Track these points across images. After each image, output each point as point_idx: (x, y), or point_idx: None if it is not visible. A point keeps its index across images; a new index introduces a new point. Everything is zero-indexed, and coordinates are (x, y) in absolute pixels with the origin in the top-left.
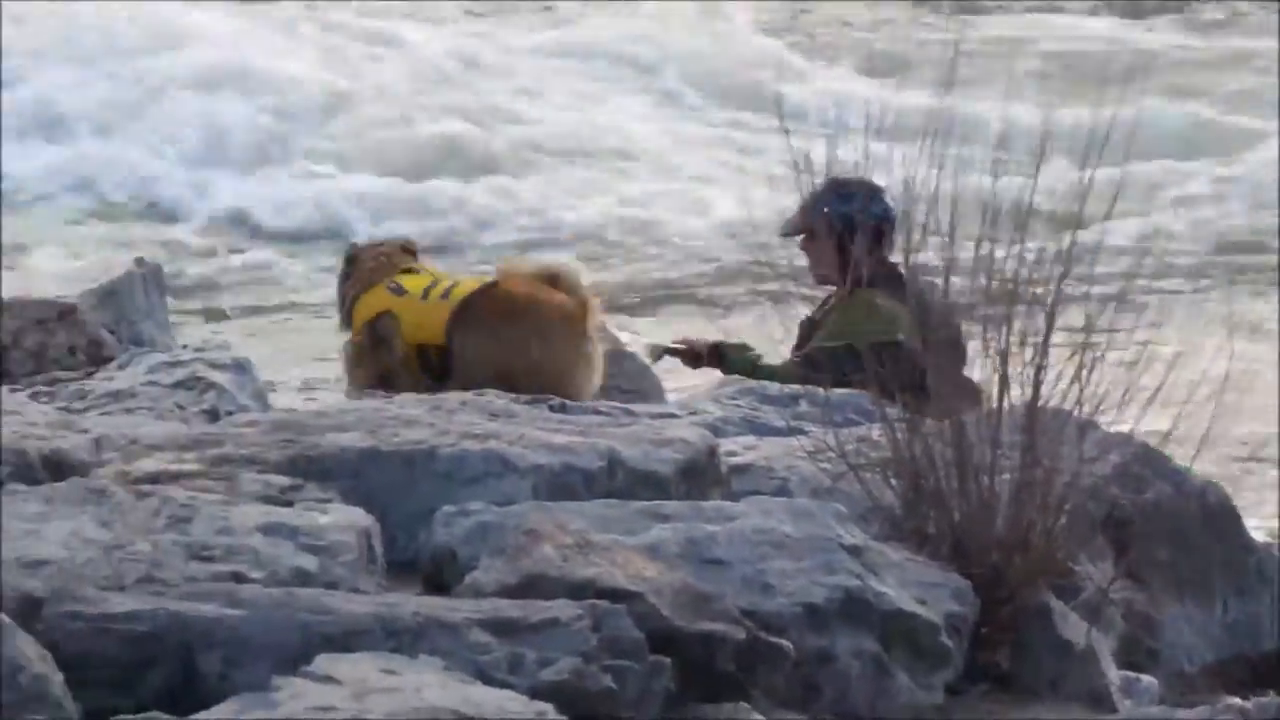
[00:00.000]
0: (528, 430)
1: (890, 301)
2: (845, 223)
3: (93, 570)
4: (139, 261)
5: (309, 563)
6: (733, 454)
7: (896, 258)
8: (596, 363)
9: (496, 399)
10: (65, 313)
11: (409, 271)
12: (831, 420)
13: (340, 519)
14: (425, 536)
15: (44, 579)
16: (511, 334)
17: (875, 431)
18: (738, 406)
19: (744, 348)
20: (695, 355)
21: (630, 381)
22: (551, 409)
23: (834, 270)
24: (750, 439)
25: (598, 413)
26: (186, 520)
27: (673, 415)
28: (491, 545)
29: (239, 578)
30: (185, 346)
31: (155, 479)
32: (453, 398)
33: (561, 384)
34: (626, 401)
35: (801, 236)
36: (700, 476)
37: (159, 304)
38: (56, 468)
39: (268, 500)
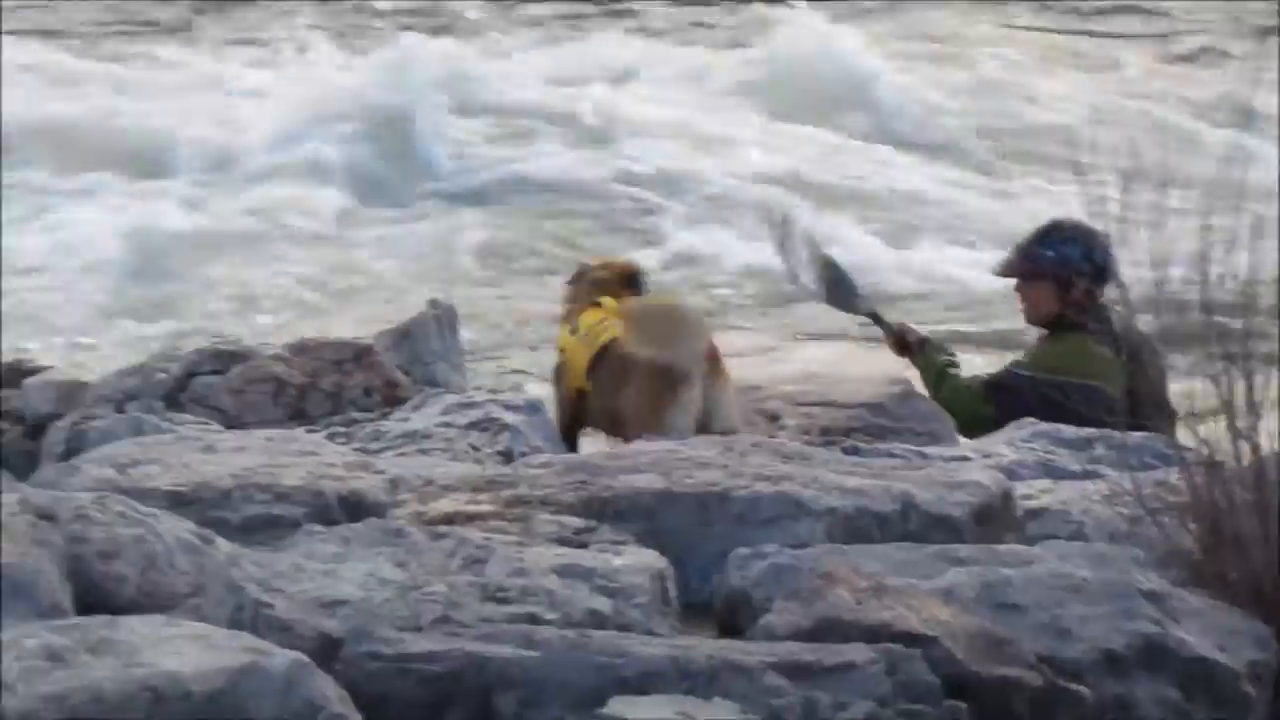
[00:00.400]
0: (821, 473)
1: (1102, 349)
2: (1059, 267)
3: (390, 610)
4: (433, 303)
5: (603, 605)
6: (1028, 497)
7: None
8: (692, 405)
9: (789, 441)
10: (361, 354)
11: (597, 305)
12: (1128, 464)
13: (634, 561)
14: (719, 579)
15: (341, 619)
16: (619, 392)
17: (1173, 475)
18: (1032, 449)
19: (947, 353)
20: (902, 342)
21: (923, 424)
22: (845, 451)
23: (1045, 314)
24: (1045, 482)
25: (891, 455)
26: (482, 561)
27: (966, 458)
28: (785, 588)
29: (534, 619)
30: (479, 388)
31: (450, 520)
32: (745, 439)
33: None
34: (919, 444)
35: (1016, 280)
36: (995, 520)
37: (453, 345)
38: (353, 508)
39: (562, 542)
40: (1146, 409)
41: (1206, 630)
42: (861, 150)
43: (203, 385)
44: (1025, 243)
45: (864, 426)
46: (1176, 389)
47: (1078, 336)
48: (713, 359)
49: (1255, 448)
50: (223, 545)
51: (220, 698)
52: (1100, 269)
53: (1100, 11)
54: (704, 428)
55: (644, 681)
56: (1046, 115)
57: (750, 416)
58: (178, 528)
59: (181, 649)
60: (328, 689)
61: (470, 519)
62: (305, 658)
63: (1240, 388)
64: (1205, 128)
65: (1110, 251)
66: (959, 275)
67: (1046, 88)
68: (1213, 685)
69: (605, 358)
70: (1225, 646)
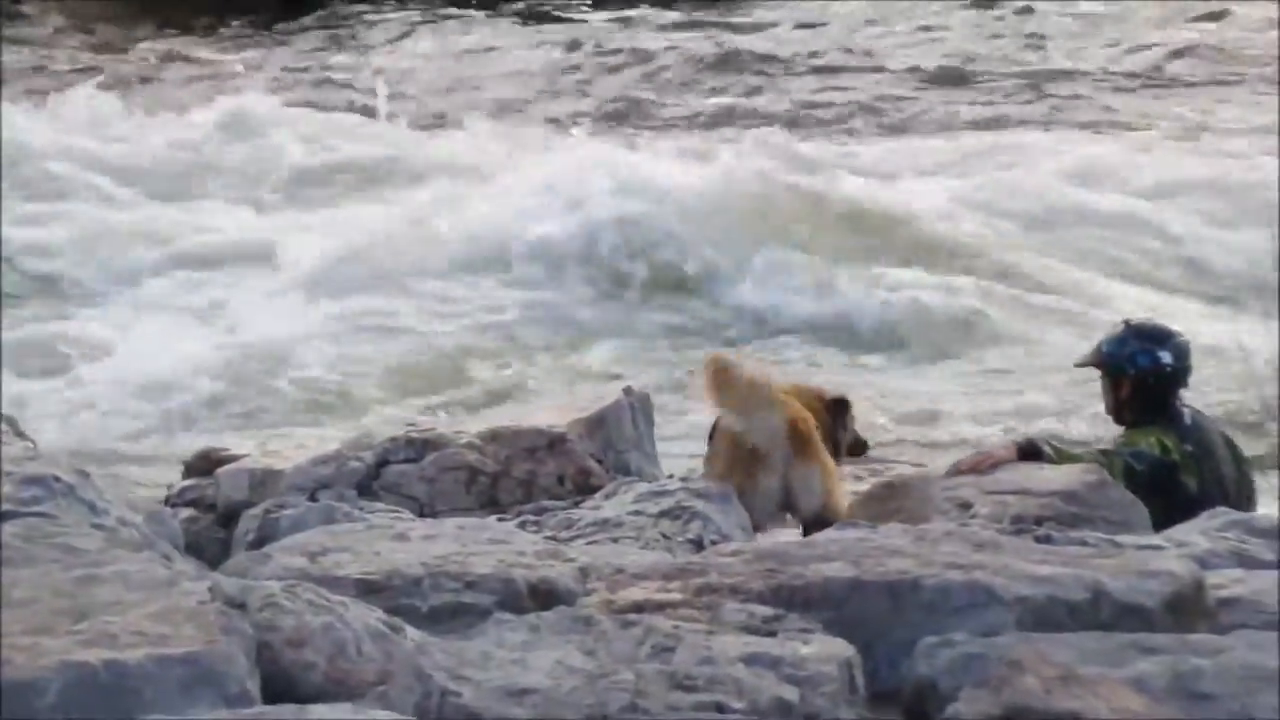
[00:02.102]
0: (1012, 561)
1: (1172, 439)
2: (1111, 364)
3: (577, 699)
4: (628, 390)
5: (790, 693)
6: (1220, 586)
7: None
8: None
9: (981, 529)
10: (555, 442)
11: None
12: None
13: (822, 649)
14: (907, 667)
15: (529, 707)
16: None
17: None
18: (1225, 539)
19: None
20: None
21: (1116, 512)
22: (1037, 539)
23: (1107, 407)
24: (1238, 572)
25: (1084, 544)
26: (670, 649)
27: (1158, 546)
28: (974, 676)
29: (721, 708)
30: (671, 476)
31: (640, 608)
32: (937, 528)
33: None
34: (1112, 532)
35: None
36: (1187, 609)
37: (646, 433)
38: (543, 596)
39: (750, 630)
40: (1216, 500)
41: None
42: None
43: (395, 473)
44: (1104, 337)
45: (1056, 514)
46: None
47: (1145, 428)
48: (798, 436)
49: None
50: (411, 633)
51: None
52: (1164, 371)
53: None
54: (789, 507)
55: None
56: None
57: (940, 505)
58: (367, 615)
59: None
60: None
61: (659, 607)
62: None
63: None
64: None
65: (1183, 353)
66: None
67: None
68: None
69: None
70: None
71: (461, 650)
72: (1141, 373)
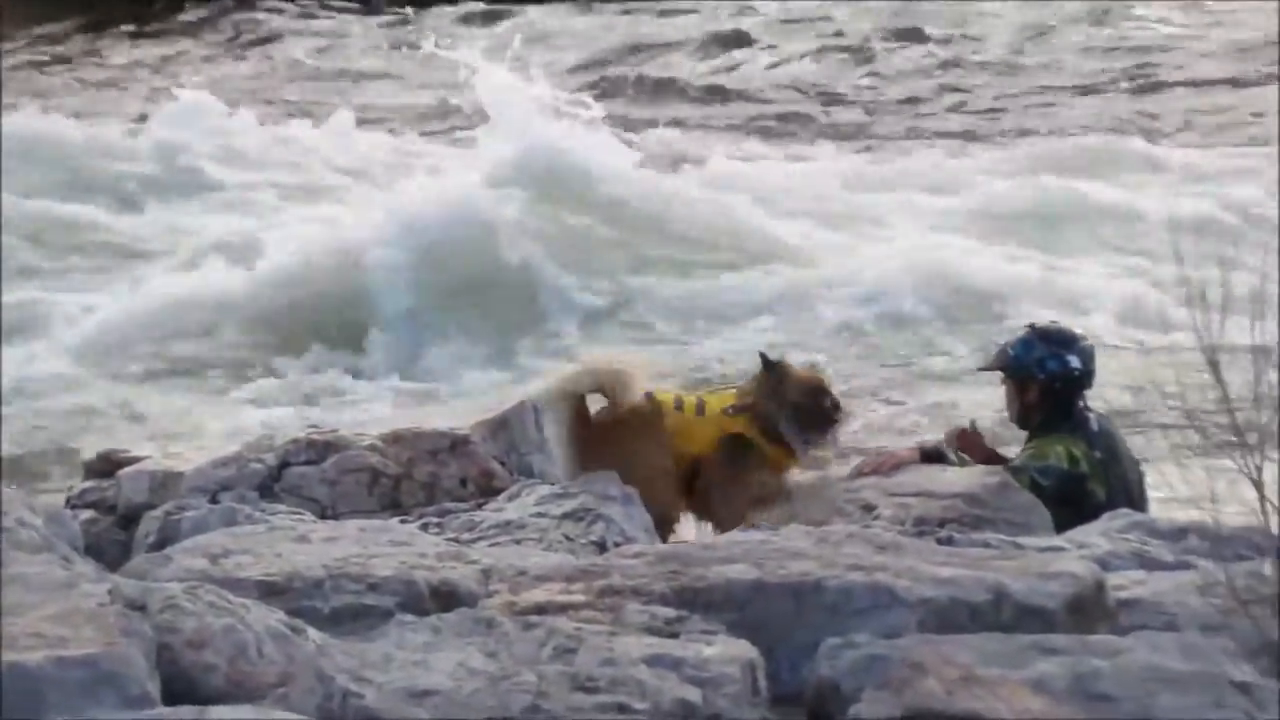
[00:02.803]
0: (914, 562)
1: (1079, 447)
2: (1023, 370)
3: (479, 700)
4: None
5: (693, 694)
6: (1120, 588)
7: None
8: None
9: (883, 531)
10: (458, 444)
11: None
12: (1221, 555)
13: (725, 651)
14: (810, 668)
15: (431, 709)
16: None
17: (1266, 566)
18: (1126, 540)
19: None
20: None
21: (1018, 514)
22: (939, 541)
23: (1011, 413)
24: (1139, 573)
25: (986, 545)
26: (572, 651)
27: (1060, 548)
28: (876, 678)
29: (623, 709)
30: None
31: (542, 610)
32: (840, 530)
33: None
34: (1014, 534)
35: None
36: (1088, 611)
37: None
38: (445, 598)
39: (652, 631)
40: (1117, 496)
41: None
42: None
43: (297, 475)
44: (1007, 341)
45: (959, 516)
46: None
47: (1053, 437)
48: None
49: None
50: (313, 635)
51: None
52: (1072, 375)
53: None
54: None
55: None
56: None
57: (843, 507)
58: (268, 617)
59: None
60: None
61: (562, 609)
62: None
63: None
64: None
65: (1089, 357)
66: None
67: None
68: None
69: None
70: None
71: (363, 652)
72: (1050, 377)
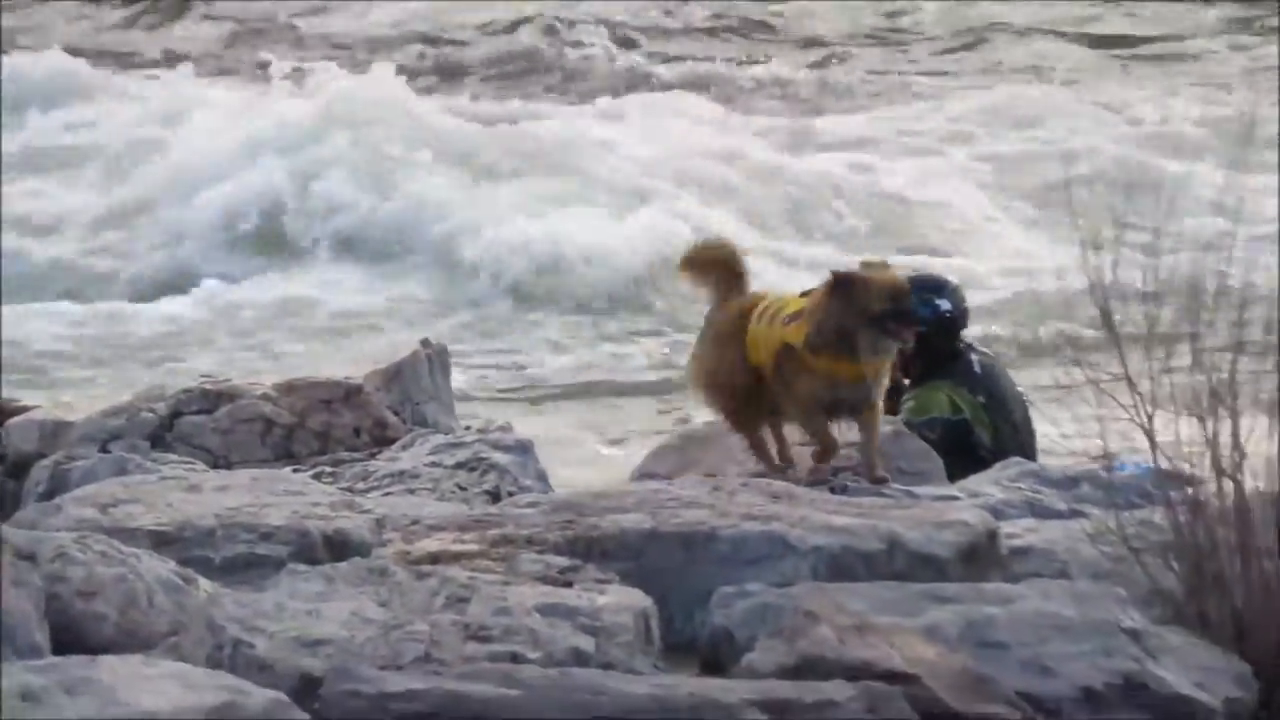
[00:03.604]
0: (808, 512)
1: (960, 394)
2: None
3: (371, 649)
4: (425, 342)
5: (586, 643)
6: (1013, 537)
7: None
8: None
9: (777, 480)
10: (351, 393)
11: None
12: (1113, 503)
13: (618, 600)
14: (703, 617)
15: (323, 658)
16: None
17: (1157, 515)
18: (1019, 489)
19: None
20: None
21: (912, 463)
22: (833, 490)
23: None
24: (1031, 522)
25: (880, 494)
26: (465, 600)
27: (953, 498)
28: (769, 626)
29: (516, 658)
30: (468, 428)
31: (435, 559)
32: (734, 479)
33: None
34: (909, 483)
35: None
36: (980, 559)
37: (443, 385)
38: (338, 548)
39: (547, 581)
40: (1011, 449)
41: (1186, 668)
42: None
43: (189, 425)
44: None
45: (853, 465)
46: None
47: (934, 385)
48: None
49: (1239, 487)
50: (204, 585)
51: None
52: (945, 319)
53: None
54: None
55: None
56: None
57: (737, 456)
58: (159, 567)
59: (159, 688)
60: None
61: (455, 558)
62: (284, 697)
63: (1226, 427)
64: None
65: (960, 299)
66: None
67: None
68: None
69: None
70: (1204, 684)
71: (255, 601)
72: (923, 324)
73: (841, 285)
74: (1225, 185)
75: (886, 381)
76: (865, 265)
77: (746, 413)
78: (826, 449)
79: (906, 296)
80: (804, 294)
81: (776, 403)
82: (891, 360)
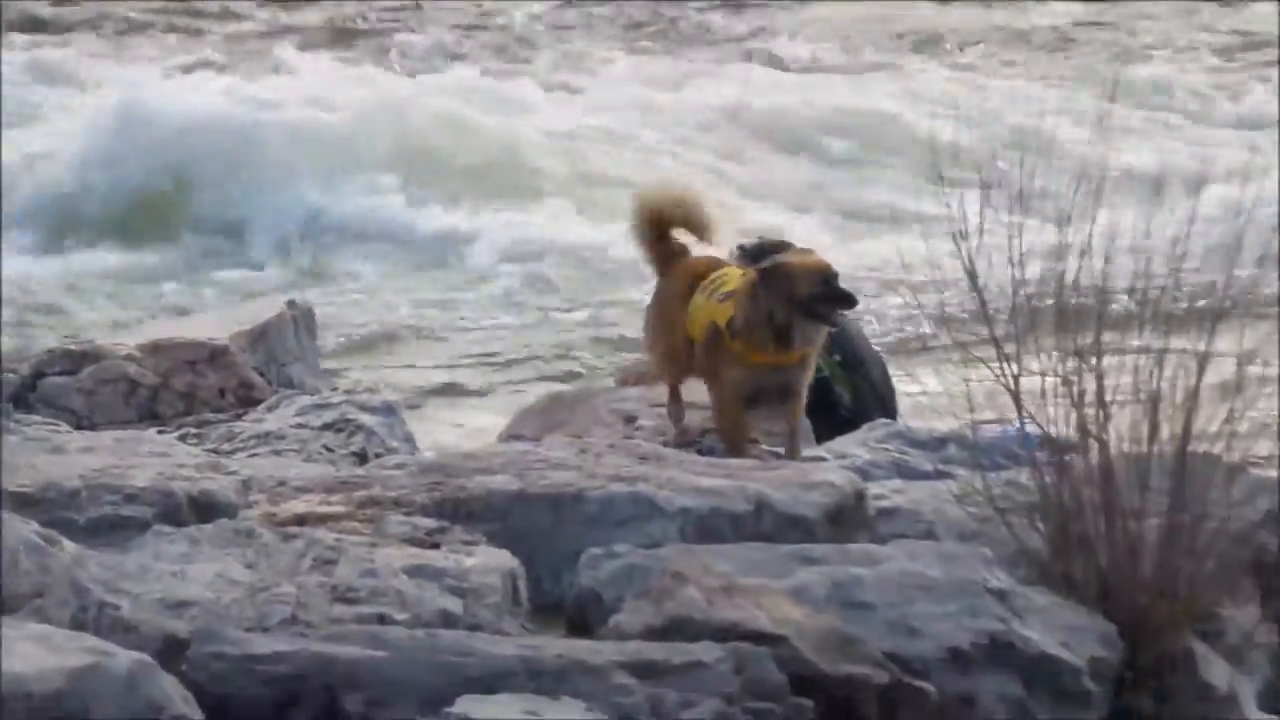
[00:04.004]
0: (676, 473)
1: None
2: None
3: (237, 611)
4: (290, 304)
5: (454, 605)
6: (880, 498)
7: None
8: None
9: (646, 442)
10: (216, 354)
11: None
12: (979, 464)
13: (486, 561)
14: (570, 579)
15: (188, 620)
16: None
17: (1023, 475)
18: (886, 450)
19: None
20: None
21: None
22: (700, 452)
23: None
24: (898, 483)
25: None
26: (332, 562)
27: (820, 459)
28: (636, 588)
29: (383, 619)
30: (335, 389)
31: (302, 521)
32: (601, 441)
33: None
34: (775, 445)
35: None
36: (847, 520)
37: (310, 346)
38: (204, 509)
39: (414, 542)
40: (872, 407)
41: (1051, 628)
42: None
43: (52, 385)
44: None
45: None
46: (1029, 387)
47: None
48: None
49: (1104, 448)
50: (68, 546)
51: (61, 699)
52: None
53: None
54: None
55: (492, 681)
56: None
57: (605, 418)
58: (22, 529)
59: (22, 651)
60: (171, 690)
61: (322, 520)
62: (148, 658)
63: (1091, 388)
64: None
65: None
66: None
67: None
68: (1056, 681)
69: None
70: (1069, 643)
71: (120, 563)
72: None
73: (767, 277)
74: (1091, 143)
75: (813, 369)
76: (792, 251)
77: (679, 372)
78: (733, 448)
79: (835, 278)
80: (744, 273)
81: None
82: (822, 345)
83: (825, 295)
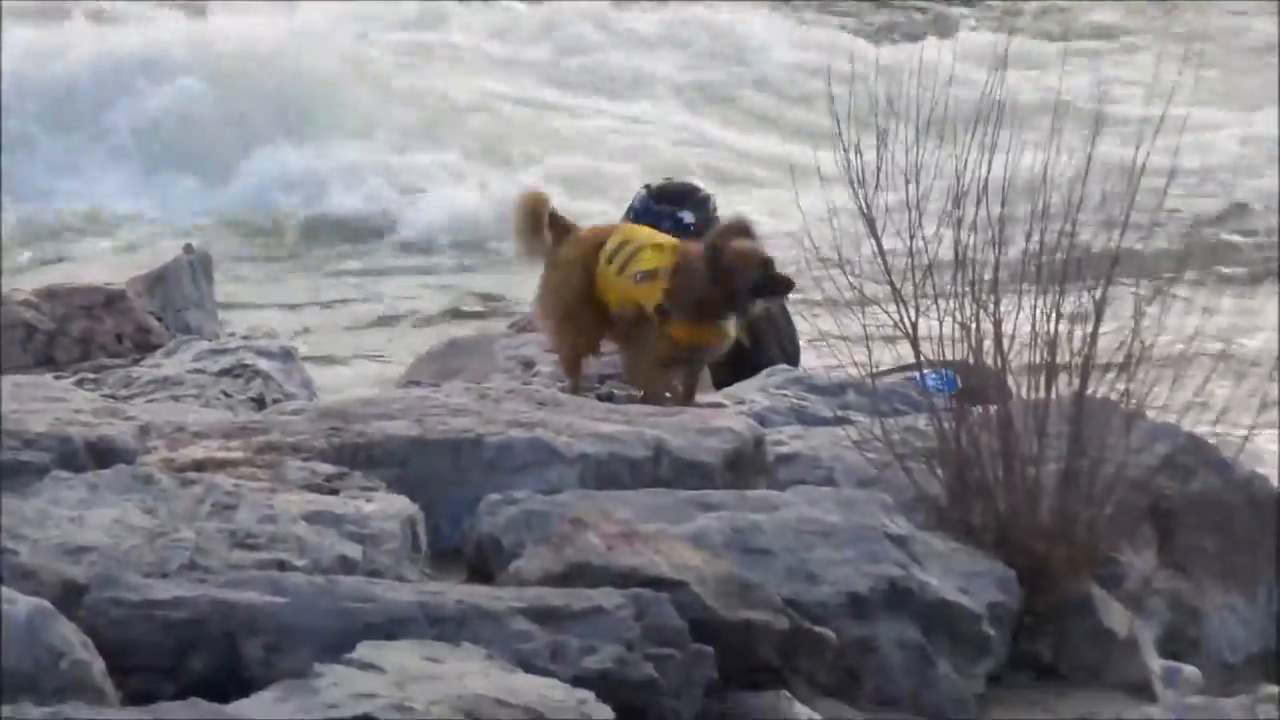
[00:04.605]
0: (575, 419)
1: None
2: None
3: (136, 557)
4: (188, 248)
5: (353, 551)
6: (779, 443)
7: None
8: None
9: (544, 388)
10: (113, 299)
11: None
12: (878, 410)
13: (385, 507)
14: (470, 525)
15: (87, 565)
16: None
17: (922, 421)
18: (785, 396)
19: None
20: None
21: None
22: (599, 398)
23: None
24: (797, 428)
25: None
26: (231, 508)
27: (719, 405)
28: (536, 534)
29: (283, 565)
30: (232, 334)
31: (200, 466)
32: (500, 386)
33: None
34: None
35: None
36: (746, 466)
37: (207, 291)
38: (102, 455)
39: (313, 488)
40: (773, 354)
41: (950, 573)
42: None
43: None
44: (632, 204)
45: (618, 372)
46: (927, 333)
47: None
48: None
49: (1002, 394)
50: None
51: None
52: (689, 230)
53: None
54: None
55: (392, 627)
56: None
57: (503, 363)
58: None
59: None
60: (70, 635)
61: (221, 466)
62: (48, 604)
63: (989, 334)
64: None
65: (703, 207)
66: None
67: None
68: (954, 626)
69: None
70: (968, 589)
71: (18, 509)
72: (686, 230)
73: (714, 258)
74: (988, 82)
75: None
76: (726, 229)
77: (585, 344)
78: (654, 400)
79: (772, 264)
80: (656, 246)
81: (621, 349)
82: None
83: (765, 282)
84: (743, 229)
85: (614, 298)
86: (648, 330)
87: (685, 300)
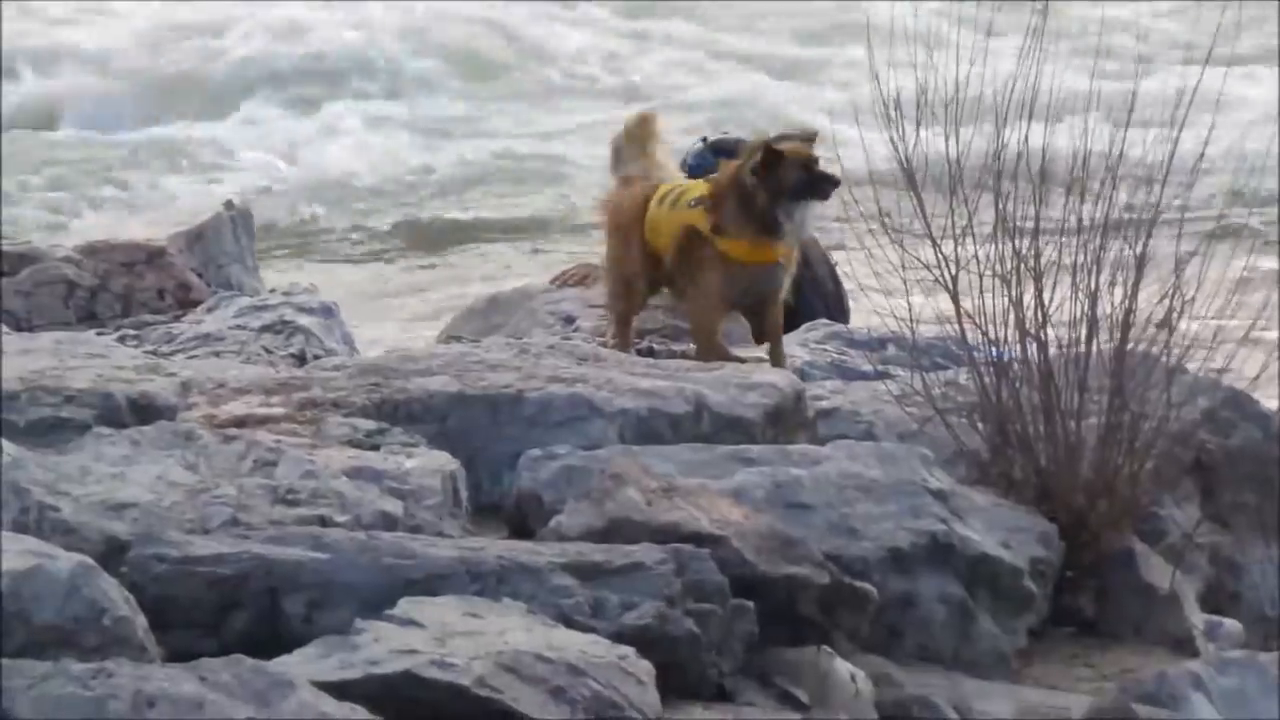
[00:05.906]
0: (615, 374)
1: None
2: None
3: (178, 513)
4: (228, 204)
5: (394, 506)
6: (819, 398)
7: None
8: None
9: (585, 343)
10: (154, 255)
11: None
12: (919, 364)
13: (426, 463)
14: (510, 480)
15: (129, 522)
16: None
17: (962, 376)
18: (825, 351)
19: None
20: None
21: None
22: (640, 353)
23: None
24: (837, 383)
25: (686, 357)
26: (272, 464)
27: (760, 360)
28: (576, 489)
29: (324, 521)
30: (273, 290)
31: (242, 423)
32: (540, 341)
33: None
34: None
35: None
36: (787, 421)
37: (248, 247)
38: (143, 411)
39: (354, 444)
40: (818, 308)
41: (991, 528)
42: None
43: None
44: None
45: (660, 328)
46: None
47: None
48: None
49: (1043, 348)
50: (8, 448)
51: (2, 601)
52: None
53: None
54: None
55: (433, 583)
56: None
57: (543, 318)
58: None
59: None
60: (112, 592)
61: (261, 422)
62: (90, 560)
63: (1030, 289)
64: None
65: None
66: None
67: None
68: (996, 581)
69: None
70: (1009, 544)
71: (59, 465)
72: None
73: (760, 158)
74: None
75: (794, 271)
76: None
77: (636, 301)
78: (710, 352)
79: (816, 161)
80: (707, 183)
81: (676, 291)
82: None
83: (809, 180)
84: (786, 137)
85: (666, 235)
86: (704, 262)
87: (734, 209)
